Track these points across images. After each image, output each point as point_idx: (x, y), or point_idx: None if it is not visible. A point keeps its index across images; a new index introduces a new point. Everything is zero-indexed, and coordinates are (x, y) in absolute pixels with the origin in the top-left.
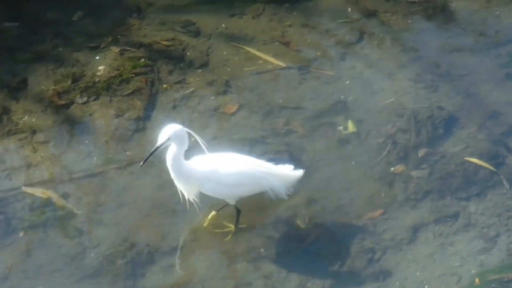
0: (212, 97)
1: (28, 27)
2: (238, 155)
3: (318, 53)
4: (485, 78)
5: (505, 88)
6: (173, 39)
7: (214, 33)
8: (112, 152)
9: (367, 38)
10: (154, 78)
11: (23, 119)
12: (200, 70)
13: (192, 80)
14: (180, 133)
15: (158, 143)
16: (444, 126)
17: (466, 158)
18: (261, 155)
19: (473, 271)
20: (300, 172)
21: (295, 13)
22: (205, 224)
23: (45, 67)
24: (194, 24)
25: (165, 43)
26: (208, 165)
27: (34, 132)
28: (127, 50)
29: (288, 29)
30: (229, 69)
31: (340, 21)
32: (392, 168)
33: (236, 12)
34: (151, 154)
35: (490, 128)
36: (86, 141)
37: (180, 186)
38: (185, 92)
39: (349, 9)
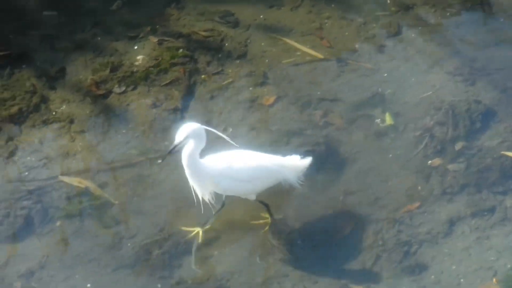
0: (250, 88)
1: (68, 16)
2: (249, 151)
3: (356, 46)
4: None
5: None
6: (211, 29)
7: (252, 24)
8: (149, 142)
9: (405, 31)
10: (192, 69)
11: (61, 108)
12: (238, 61)
13: (230, 71)
14: (199, 131)
15: (176, 141)
16: (481, 120)
17: (502, 152)
18: (298, 147)
19: (509, 266)
20: (308, 160)
21: (333, 5)
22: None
23: (83, 57)
24: (233, 15)
25: (203, 33)
26: (222, 162)
27: (71, 121)
28: (166, 40)
29: (326, 21)
30: (267, 61)
31: (378, 13)
32: (429, 161)
33: (275, 3)
34: (169, 152)
35: None
36: (124, 131)
37: (194, 185)
38: (223, 83)
39: (388, 1)
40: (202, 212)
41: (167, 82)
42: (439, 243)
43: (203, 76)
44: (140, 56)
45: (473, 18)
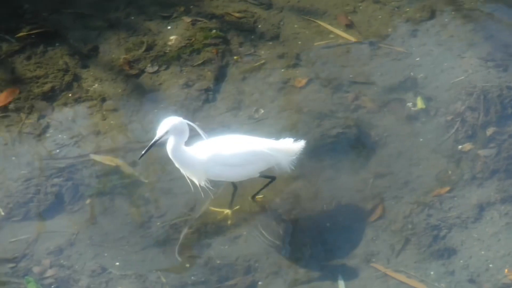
0: (282, 70)
1: None
2: (238, 135)
3: (389, 29)
4: None
5: None
6: (245, 11)
7: (286, 6)
8: None
9: (438, 15)
10: (225, 50)
11: (93, 86)
12: (271, 43)
13: (262, 52)
14: (180, 126)
15: (156, 137)
16: None
17: None
18: (329, 129)
19: None
20: (301, 144)
21: None
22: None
23: (117, 35)
24: None
25: (237, 14)
26: (211, 149)
27: (103, 99)
28: (199, 21)
29: (360, 4)
30: (300, 43)
31: None
32: (459, 146)
33: None
34: (149, 147)
35: None
36: (155, 110)
37: (187, 174)
38: (255, 64)
39: None
40: (203, 196)
41: (200, 62)
42: (468, 228)
43: (235, 57)
44: (173, 36)
45: (507, 4)
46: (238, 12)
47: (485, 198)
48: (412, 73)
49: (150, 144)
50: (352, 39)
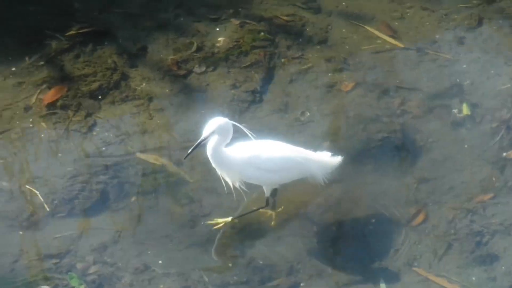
0: (329, 74)
1: None
2: (277, 142)
3: (437, 36)
4: None
5: None
6: (293, 14)
7: (334, 10)
8: None
9: (486, 23)
10: (273, 52)
11: (141, 86)
12: (318, 47)
13: (310, 55)
14: (225, 126)
15: (203, 137)
16: None
17: None
18: (375, 133)
19: None
20: (338, 159)
21: None
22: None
23: (165, 36)
24: (315, 1)
25: (285, 18)
26: (249, 151)
27: (151, 99)
28: (247, 23)
29: (408, 10)
30: (347, 47)
31: (460, 5)
32: (504, 153)
33: None
34: (195, 147)
35: None
36: (202, 111)
37: (222, 174)
38: (303, 67)
39: None
40: (235, 199)
41: (247, 64)
42: (511, 234)
43: (283, 60)
44: (221, 37)
45: None
46: (287, 15)
47: None
48: (458, 80)
49: (196, 143)
50: (400, 44)
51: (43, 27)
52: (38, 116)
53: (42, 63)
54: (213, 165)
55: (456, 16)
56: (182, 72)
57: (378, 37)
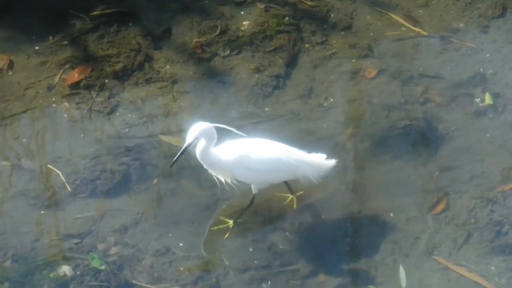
0: (353, 60)
1: None
2: (268, 141)
3: (461, 25)
4: None
5: None
6: (318, 0)
7: None
8: (250, 107)
9: (510, 12)
10: (297, 37)
11: (165, 68)
12: (343, 33)
13: (334, 41)
14: (208, 130)
15: (186, 144)
16: None
17: None
18: (397, 121)
19: None
20: (332, 162)
21: None
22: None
23: (190, 18)
24: None
25: (310, 3)
26: (239, 151)
27: (174, 81)
28: (272, 8)
29: None
30: (371, 34)
31: None
32: None
33: None
34: (180, 154)
35: None
36: (226, 94)
37: (214, 174)
38: (327, 53)
39: None
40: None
41: (271, 48)
42: None
43: (307, 45)
44: (246, 21)
45: None
46: (312, 1)
47: None
48: (481, 69)
49: (181, 151)
50: (423, 32)
51: (67, 6)
52: (61, 96)
53: (66, 42)
54: (205, 166)
55: (480, 5)
56: (206, 55)
57: (402, 25)
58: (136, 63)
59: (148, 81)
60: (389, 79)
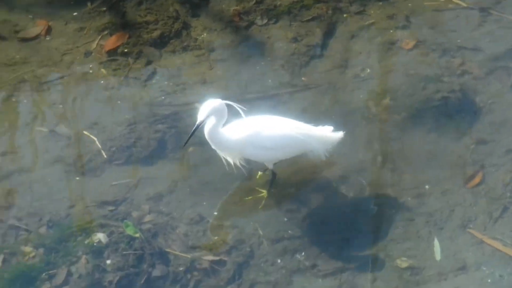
0: (391, 31)
1: None
2: (276, 117)
3: None
4: None
5: None
6: None
7: None
8: (287, 76)
9: None
10: (335, 7)
11: (202, 36)
12: (380, 3)
13: (372, 12)
14: (220, 107)
15: (198, 121)
16: None
17: None
18: (434, 93)
19: None
20: (340, 134)
21: None
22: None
23: None
24: None
25: None
26: (247, 130)
27: (211, 49)
28: None
29: None
30: (410, 5)
31: None
32: None
33: None
34: (192, 133)
35: None
36: (262, 63)
37: (222, 154)
38: (365, 24)
39: None
40: (235, 172)
41: (309, 18)
42: None
43: (345, 15)
44: None
45: None
46: None
47: None
48: None
49: (193, 129)
50: (462, 4)
51: None
52: (98, 62)
53: (104, 9)
54: (213, 146)
55: None
56: (243, 23)
57: None
58: (173, 30)
59: (185, 49)
60: (426, 50)
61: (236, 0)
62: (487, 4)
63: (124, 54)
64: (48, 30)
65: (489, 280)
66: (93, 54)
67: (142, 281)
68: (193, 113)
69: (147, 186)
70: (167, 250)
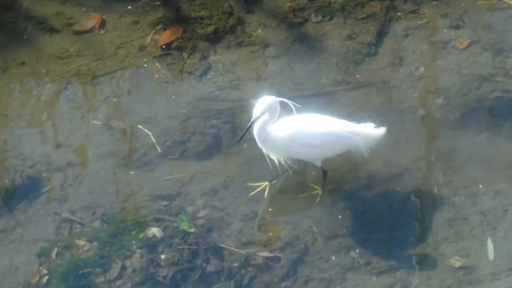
0: (445, 30)
1: None
2: (320, 115)
3: None
4: None
5: None
6: None
7: None
8: (341, 74)
9: None
10: (389, 5)
11: (257, 31)
12: (434, 2)
13: (426, 11)
14: (274, 104)
15: (254, 117)
16: None
17: None
18: (488, 92)
19: None
20: (382, 130)
21: None
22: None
23: None
24: None
25: None
26: (292, 128)
27: (266, 45)
28: None
29: None
30: (463, 4)
31: None
32: None
33: None
34: (247, 129)
35: None
36: (317, 60)
37: (268, 153)
38: (418, 22)
39: None
40: (271, 168)
41: (363, 16)
42: None
43: (399, 13)
44: None
45: None
46: None
47: None
48: None
49: (248, 125)
50: None
51: None
52: (152, 57)
53: (158, 3)
54: (259, 144)
55: None
56: (298, 20)
57: None
58: (228, 26)
59: (239, 45)
60: (480, 50)
61: None
62: None
63: (179, 49)
64: (102, 24)
65: None
66: (147, 48)
67: (197, 276)
68: (248, 108)
69: (201, 181)
70: (222, 245)
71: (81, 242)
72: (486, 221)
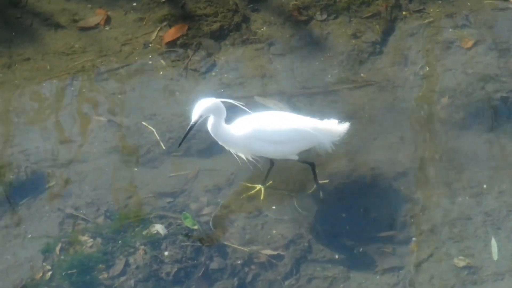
0: (450, 30)
1: None
2: (281, 112)
3: None
4: None
5: None
6: None
7: None
8: (346, 72)
9: None
10: (394, 4)
11: (262, 29)
12: (440, 2)
13: (431, 10)
14: (213, 106)
15: (192, 122)
16: None
17: None
18: (493, 92)
19: None
20: (345, 126)
21: None
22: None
23: None
24: None
25: None
26: (252, 125)
27: (271, 43)
28: None
29: None
30: (468, 4)
31: None
32: None
33: None
34: (186, 134)
35: None
36: (322, 58)
37: (233, 151)
38: (424, 22)
39: None
40: (252, 169)
41: (369, 15)
42: None
43: (404, 12)
44: None
45: None
46: None
47: None
48: None
49: (187, 130)
50: None
51: None
52: (157, 54)
53: (163, 0)
54: (220, 143)
55: None
56: (303, 18)
57: None
58: (233, 23)
59: (244, 42)
60: (485, 50)
61: None
62: None
63: (184, 46)
64: (107, 20)
65: None
66: (152, 45)
67: (200, 274)
68: (253, 106)
69: (205, 178)
70: (225, 243)
71: (84, 238)
72: (490, 221)
